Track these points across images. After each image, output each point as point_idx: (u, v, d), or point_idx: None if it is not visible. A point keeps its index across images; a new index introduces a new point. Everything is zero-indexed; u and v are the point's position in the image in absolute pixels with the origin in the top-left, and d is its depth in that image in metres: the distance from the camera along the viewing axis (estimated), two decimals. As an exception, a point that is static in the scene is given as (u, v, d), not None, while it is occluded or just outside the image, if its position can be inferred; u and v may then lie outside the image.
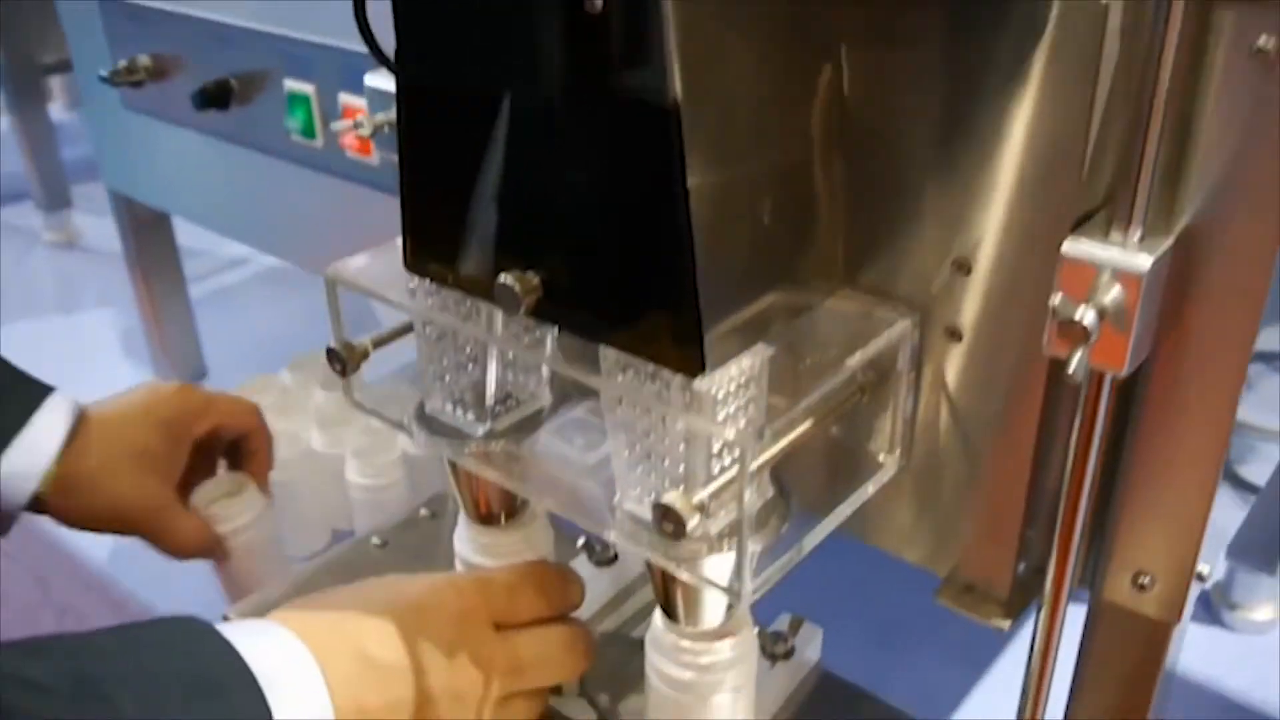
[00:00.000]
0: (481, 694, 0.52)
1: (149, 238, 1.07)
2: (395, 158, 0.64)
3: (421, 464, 0.93)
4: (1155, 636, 0.51)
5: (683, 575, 0.46)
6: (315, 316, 1.35)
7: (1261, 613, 0.87)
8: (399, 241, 0.55)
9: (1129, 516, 0.49)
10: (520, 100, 0.44)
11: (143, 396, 0.72)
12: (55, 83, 2.03)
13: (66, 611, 0.99)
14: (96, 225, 1.57)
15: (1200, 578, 0.50)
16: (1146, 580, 0.50)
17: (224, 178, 0.88)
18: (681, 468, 0.45)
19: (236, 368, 1.06)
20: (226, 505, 0.74)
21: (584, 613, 0.68)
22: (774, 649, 0.62)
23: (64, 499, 0.67)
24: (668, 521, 0.42)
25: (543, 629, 0.55)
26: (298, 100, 0.76)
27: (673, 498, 0.41)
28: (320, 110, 0.75)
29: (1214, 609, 0.88)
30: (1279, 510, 0.82)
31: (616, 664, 0.65)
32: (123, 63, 0.87)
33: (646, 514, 0.48)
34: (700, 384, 0.43)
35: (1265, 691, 0.82)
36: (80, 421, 0.68)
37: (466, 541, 0.60)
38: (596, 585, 0.69)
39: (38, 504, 0.67)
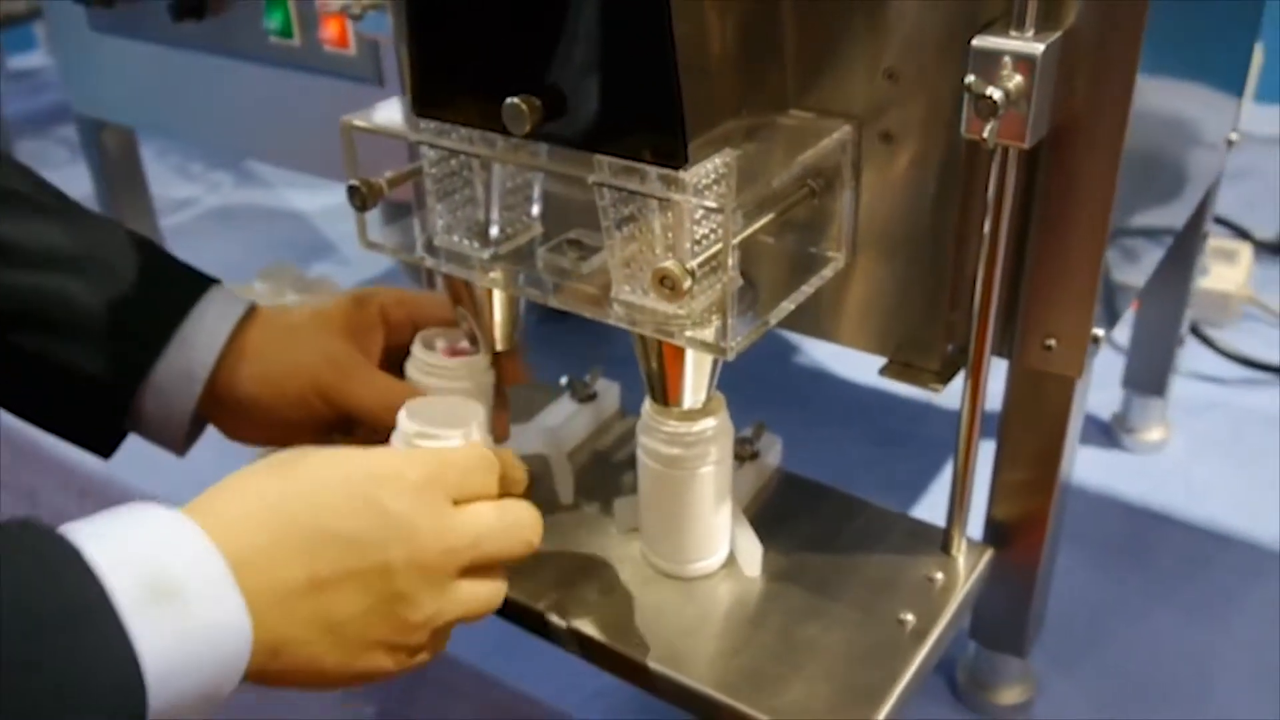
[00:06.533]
0: (442, 565, 0.50)
1: (117, 169, 1.12)
2: (376, 41, 0.72)
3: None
4: (1062, 391, 0.62)
5: (676, 341, 0.54)
6: (269, 248, 1.41)
7: (1154, 434, 0.99)
8: (392, 101, 0.63)
9: (1035, 289, 0.59)
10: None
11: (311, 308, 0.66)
12: (39, 29, 2.12)
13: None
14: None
15: (1095, 340, 0.60)
16: (1052, 343, 0.60)
17: (199, 88, 0.94)
18: (670, 253, 0.54)
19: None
20: (446, 363, 0.66)
21: (569, 443, 0.77)
22: (741, 451, 0.71)
23: (235, 372, 0.61)
24: (666, 284, 0.50)
25: (499, 502, 0.54)
26: (275, 2, 0.82)
27: (669, 264, 0.50)
28: (297, 9, 0.82)
29: (1114, 436, 1.00)
30: (1163, 342, 0.94)
31: (603, 480, 0.74)
32: (94, -17, 0.92)
33: (639, 300, 0.56)
34: (684, 174, 0.51)
35: (1160, 497, 0.94)
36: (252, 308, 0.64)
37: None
38: (578, 420, 0.78)
39: (206, 399, 0.62)
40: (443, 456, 0.53)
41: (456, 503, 0.52)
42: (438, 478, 0.51)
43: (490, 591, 0.53)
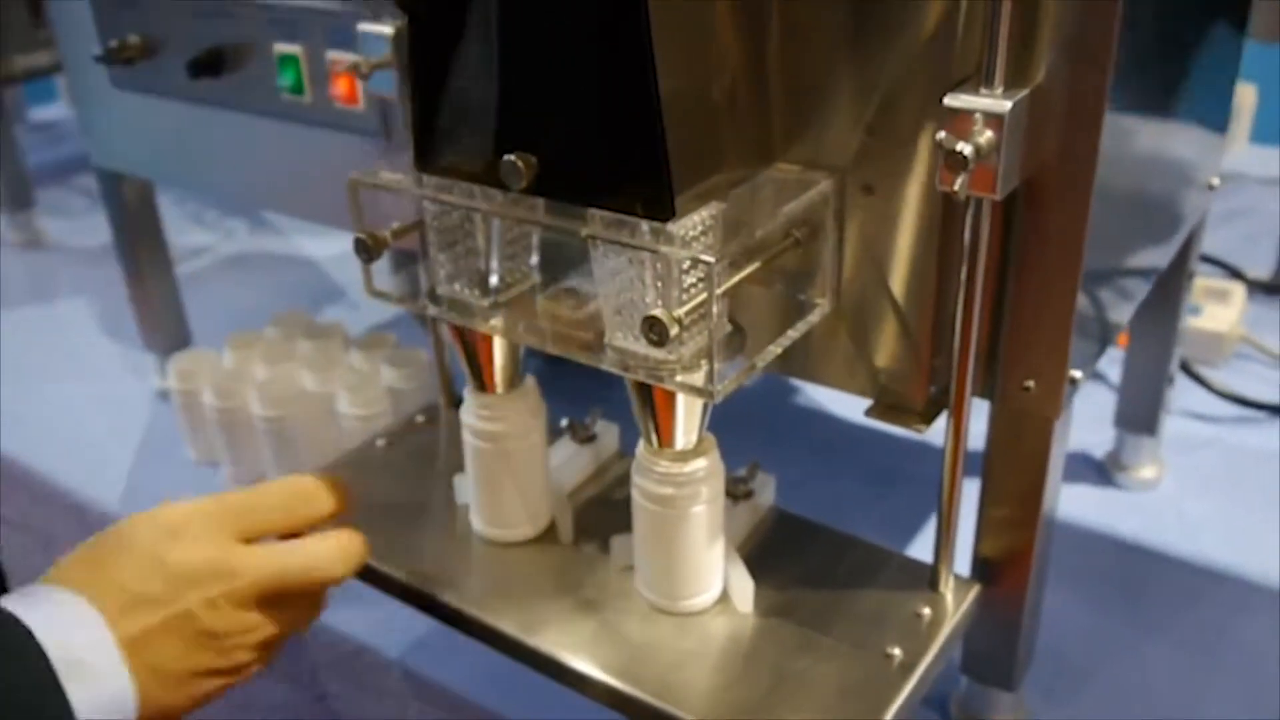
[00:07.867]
0: (237, 599, 0.58)
1: (135, 218, 1.15)
2: (383, 97, 0.75)
3: (403, 395, 1.03)
4: (1043, 431, 0.64)
5: (665, 385, 0.57)
6: (282, 294, 1.44)
7: (1147, 471, 1.00)
8: (401, 160, 0.66)
9: (1013, 333, 0.61)
10: (515, 10, 0.55)
11: None
12: (60, 81, 2.17)
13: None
14: (61, 227, 1.65)
15: (1073, 381, 0.62)
16: (1030, 385, 0.62)
17: (215, 142, 0.97)
18: (659, 301, 0.57)
19: (217, 337, 1.14)
20: None
21: (569, 484, 0.79)
22: (735, 490, 0.73)
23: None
24: (654, 332, 0.53)
25: (298, 541, 0.62)
26: (287, 61, 0.85)
27: (658, 312, 0.52)
28: (309, 68, 0.85)
29: (1108, 474, 1.02)
30: (1153, 381, 0.96)
31: (601, 518, 0.76)
32: (114, 43, 0.96)
33: (631, 346, 0.59)
34: (672, 227, 0.54)
35: (1153, 534, 0.95)
36: None
37: (473, 411, 0.71)
38: (578, 461, 0.80)
39: None
40: (230, 502, 0.61)
41: (249, 541, 0.60)
42: (223, 525, 0.60)
43: (296, 615, 0.62)
